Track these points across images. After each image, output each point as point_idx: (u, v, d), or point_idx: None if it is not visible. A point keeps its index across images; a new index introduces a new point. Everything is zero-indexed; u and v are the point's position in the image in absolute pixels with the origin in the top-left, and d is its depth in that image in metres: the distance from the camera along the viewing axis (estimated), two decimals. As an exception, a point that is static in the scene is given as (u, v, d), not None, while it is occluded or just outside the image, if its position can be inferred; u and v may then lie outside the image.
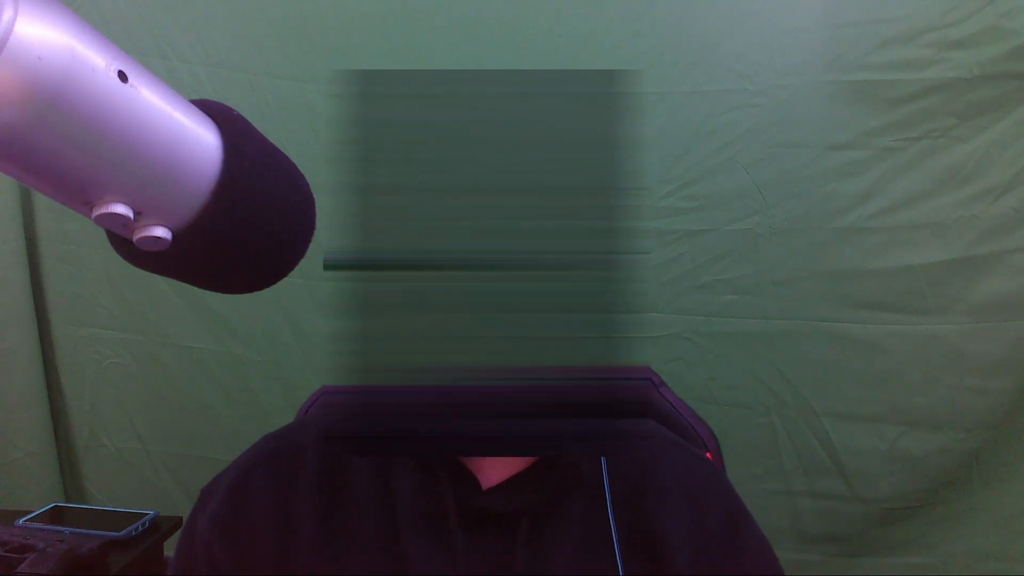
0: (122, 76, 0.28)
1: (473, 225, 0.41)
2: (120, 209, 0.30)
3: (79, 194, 0.29)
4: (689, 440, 0.75)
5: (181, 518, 1.15)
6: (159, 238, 0.32)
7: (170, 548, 1.12)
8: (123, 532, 1.04)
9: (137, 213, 0.31)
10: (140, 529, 1.07)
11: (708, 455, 0.76)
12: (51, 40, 0.25)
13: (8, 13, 0.24)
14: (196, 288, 0.39)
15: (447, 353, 0.42)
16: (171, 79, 1.23)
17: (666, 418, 0.80)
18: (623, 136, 0.41)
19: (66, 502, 1.33)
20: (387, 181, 0.41)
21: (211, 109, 0.35)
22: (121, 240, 0.34)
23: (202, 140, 0.33)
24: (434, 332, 0.42)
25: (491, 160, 0.41)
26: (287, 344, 1.30)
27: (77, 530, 1.03)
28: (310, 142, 1.24)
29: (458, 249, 0.41)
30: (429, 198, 0.41)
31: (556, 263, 0.42)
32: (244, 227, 0.35)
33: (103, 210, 0.30)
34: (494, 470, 0.52)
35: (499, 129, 0.42)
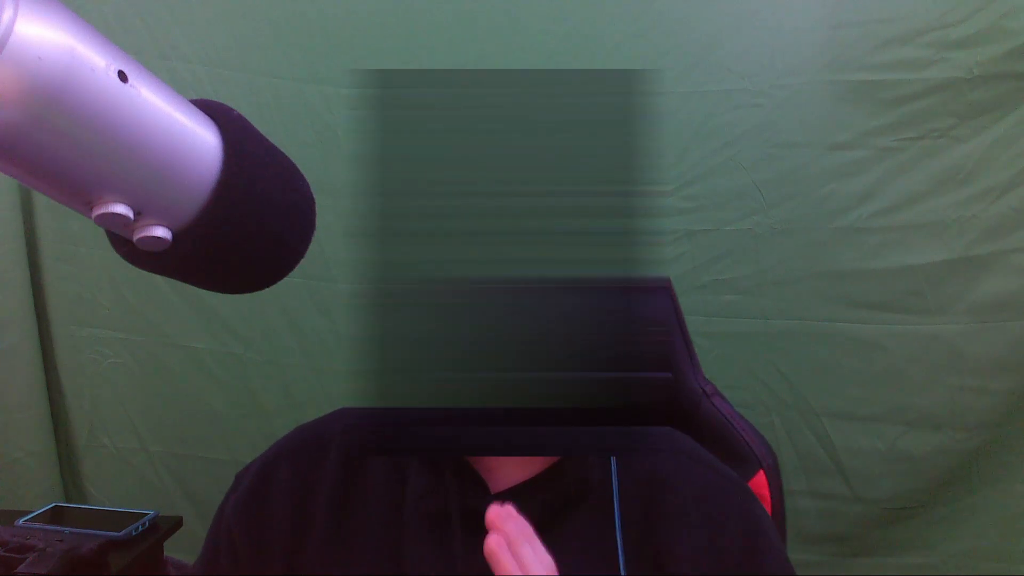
0: (122, 76, 0.28)
1: (492, 229, 0.41)
2: (120, 209, 0.30)
3: (79, 194, 0.29)
4: (740, 457, 0.73)
5: (181, 518, 1.15)
6: (159, 238, 0.32)
7: (170, 548, 1.12)
8: (123, 532, 1.04)
9: (137, 213, 0.31)
10: (140, 529, 1.07)
11: (761, 472, 0.73)
12: (51, 40, 0.25)
13: (8, 13, 0.24)
14: (196, 288, 0.39)
15: (467, 371, 0.42)
16: (171, 79, 1.23)
17: (716, 431, 0.76)
18: (641, 136, 0.41)
19: (66, 502, 1.33)
20: (406, 181, 0.41)
21: (211, 109, 0.35)
22: (121, 240, 0.34)
23: (202, 140, 0.33)
24: (454, 347, 0.42)
25: (508, 162, 0.42)
26: (287, 344, 1.30)
27: (77, 530, 1.03)
28: (310, 142, 1.24)
29: (476, 254, 0.41)
30: (448, 200, 0.42)
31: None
32: (244, 227, 0.35)
33: (103, 210, 0.30)
34: (505, 475, 0.52)
35: (516, 129, 0.42)
